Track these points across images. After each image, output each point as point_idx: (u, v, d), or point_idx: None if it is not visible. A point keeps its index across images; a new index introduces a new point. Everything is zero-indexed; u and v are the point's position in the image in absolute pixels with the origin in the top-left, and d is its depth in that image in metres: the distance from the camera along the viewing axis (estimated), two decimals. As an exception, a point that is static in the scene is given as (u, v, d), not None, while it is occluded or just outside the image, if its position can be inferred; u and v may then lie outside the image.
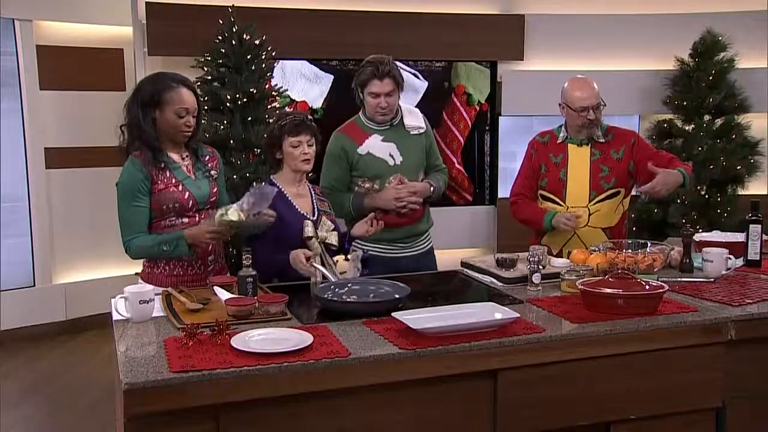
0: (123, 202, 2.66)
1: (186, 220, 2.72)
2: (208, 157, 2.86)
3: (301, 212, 2.95)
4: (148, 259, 2.76)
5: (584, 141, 3.28)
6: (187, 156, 2.79)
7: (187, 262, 2.75)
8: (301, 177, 3.01)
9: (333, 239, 2.95)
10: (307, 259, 2.77)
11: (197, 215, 2.74)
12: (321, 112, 5.46)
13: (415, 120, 3.38)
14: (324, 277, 2.75)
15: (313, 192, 3.08)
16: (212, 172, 2.83)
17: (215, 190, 2.82)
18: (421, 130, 3.38)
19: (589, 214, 3.25)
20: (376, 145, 3.29)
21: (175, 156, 2.75)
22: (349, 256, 3.07)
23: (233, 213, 2.59)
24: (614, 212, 3.28)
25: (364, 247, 3.22)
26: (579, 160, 3.28)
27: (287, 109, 5.17)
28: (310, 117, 3.04)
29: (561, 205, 3.29)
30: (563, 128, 3.33)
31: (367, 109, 3.31)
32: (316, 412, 1.98)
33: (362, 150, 3.28)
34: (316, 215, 2.99)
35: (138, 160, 2.66)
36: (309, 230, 2.88)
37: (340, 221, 3.22)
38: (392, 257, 3.34)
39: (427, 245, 3.47)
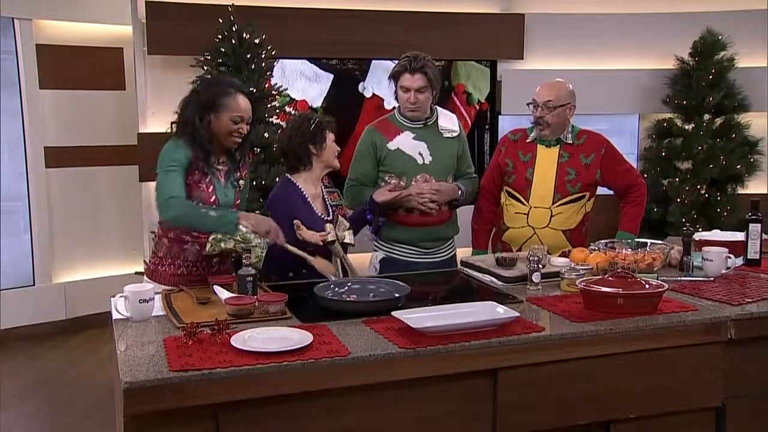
0: (163, 168, 2.61)
1: None
2: (241, 164, 2.87)
3: (320, 215, 2.97)
4: (164, 252, 2.75)
5: (552, 142, 3.28)
6: (223, 162, 2.78)
7: (192, 263, 2.75)
8: (323, 175, 3.05)
9: (349, 238, 2.95)
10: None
11: None
12: (320, 111, 5.46)
13: (449, 123, 3.37)
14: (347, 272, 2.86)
15: (322, 188, 3.08)
16: (240, 182, 2.85)
17: (238, 201, 2.83)
18: (454, 134, 3.36)
19: (551, 216, 3.25)
20: (406, 142, 3.28)
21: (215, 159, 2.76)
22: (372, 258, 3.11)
23: (230, 242, 2.61)
24: (576, 215, 3.29)
25: (383, 246, 3.26)
26: (546, 161, 3.28)
27: (288, 108, 5.16)
28: None
29: (525, 204, 3.28)
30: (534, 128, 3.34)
31: (399, 104, 3.31)
32: (316, 411, 1.98)
33: (392, 146, 3.28)
34: (331, 214, 3.00)
35: (187, 145, 2.64)
36: (331, 235, 2.88)
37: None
38: (411, 261, 3.30)
39: (450, 252, 3.44)
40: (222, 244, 2.60)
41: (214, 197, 2.71)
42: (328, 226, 2.90)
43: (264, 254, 2.62)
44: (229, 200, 2.77)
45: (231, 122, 2.68)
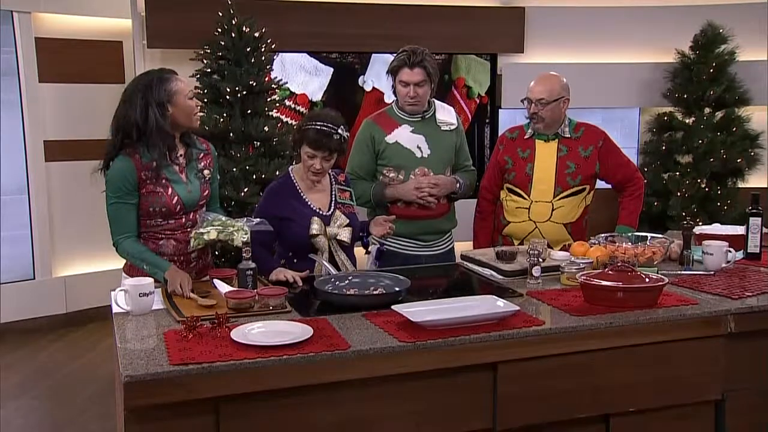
0: (111, 198, 2.62)
1: (172, 221, 2.66)
2: (202, 155, 2.78)
3: (313, 208, 2.90)
4: None
5: (551, 136, 3.28)
6: (181, 155, 2.70)
7: (169, 257, 2.67)
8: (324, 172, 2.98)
9: (344, 236, 2.88)
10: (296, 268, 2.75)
11: (184, 217, 2.69)
12: (321, 105, 5.45)
13: (447, 116, 3.37)
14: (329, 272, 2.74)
15: (334, 181, 3.01)
16: (205, 172, 2.76)
17: (206, 192, 2.75)
18: (452, 127, 3.36)
19: (552, 209, 3.25)
20: (404, 136, 3.28)
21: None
22: (370, 248, 3.06)
23: (212, 232, 2.58)
24: (577, 208, 3.29)
25: (382, 240, 3.21)
26: (545, 155, 3.27)
27: (288, 102, 5.16)
28: (338, 131, 2.80)
29: (526, 199, 3.28)
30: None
31: (397, 98, 3.31)
32: (316, 404, 1.98)
33: (390, 139, 3.27)
34: (331, 209, 2.95)
35: (130, 160, 2.58)
36: (315, 228, 2.83)
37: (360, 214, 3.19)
38: (410, 254, 3.31)
39: (448, 245, 3.44)
40: (205, 236, 2.57)
41: (176, 198, 2.64)
42: (315, 220, 2.86)
43: (248, 238, 2.59)
44: (195, 196, 2.70)
45: (189, 100, 2.64)
